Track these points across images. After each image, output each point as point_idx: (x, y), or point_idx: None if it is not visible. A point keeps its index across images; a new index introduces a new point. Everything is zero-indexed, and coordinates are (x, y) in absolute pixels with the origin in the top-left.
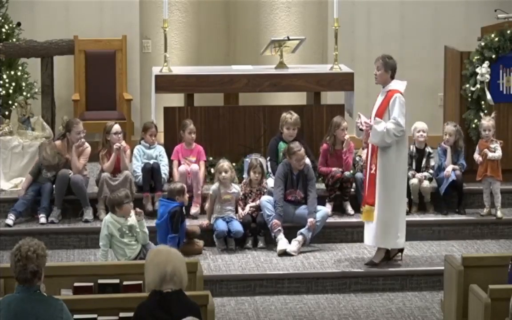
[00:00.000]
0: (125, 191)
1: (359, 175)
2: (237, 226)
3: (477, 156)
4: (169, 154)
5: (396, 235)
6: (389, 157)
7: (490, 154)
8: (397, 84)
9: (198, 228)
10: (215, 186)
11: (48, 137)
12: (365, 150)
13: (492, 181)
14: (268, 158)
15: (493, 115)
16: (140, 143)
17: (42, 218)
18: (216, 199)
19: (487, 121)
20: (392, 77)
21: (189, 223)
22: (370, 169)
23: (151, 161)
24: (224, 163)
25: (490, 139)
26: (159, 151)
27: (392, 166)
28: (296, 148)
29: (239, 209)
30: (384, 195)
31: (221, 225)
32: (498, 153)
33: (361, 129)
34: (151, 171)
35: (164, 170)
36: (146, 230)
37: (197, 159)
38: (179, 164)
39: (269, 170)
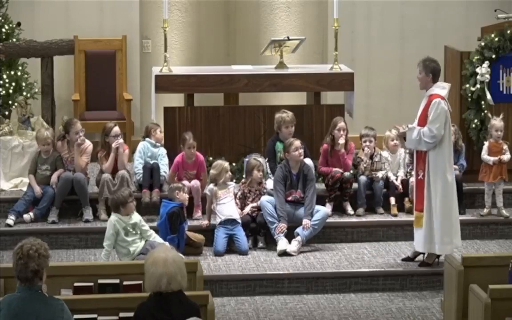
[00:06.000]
0: (128, 190)
1: (363, 178)
2: (243, 243)
3: (489, 158)
4: (169, 154)
5: (443, 241)
6: (430, 163)
7: (505, 157)
8: (438, 89)
9: (202, 238)
10: (211, 185)
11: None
12: (380, 153)
13: (497, 182)
14: (266, 160)
15: (501, 116)
16: (144, 139)
17: (26, 215)
18: (212, 197)
19: (498, 122)
20: (434, 81)
21: (193, 234)
22: (418, 175)
23: (152, 161)
24: (226, 164)
25: (500, 140)
26: (162, 152)
27: (433, 172)
28: (292, 139)
29: (238, 209)
30: (428, 201)
31: (220, 244)
32: (508, 155)
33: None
34: (151, 171)
35: (164, 168)
36: (146, 226)
37: (198, 171)
38: (179, 176)
39: (269, 171)
